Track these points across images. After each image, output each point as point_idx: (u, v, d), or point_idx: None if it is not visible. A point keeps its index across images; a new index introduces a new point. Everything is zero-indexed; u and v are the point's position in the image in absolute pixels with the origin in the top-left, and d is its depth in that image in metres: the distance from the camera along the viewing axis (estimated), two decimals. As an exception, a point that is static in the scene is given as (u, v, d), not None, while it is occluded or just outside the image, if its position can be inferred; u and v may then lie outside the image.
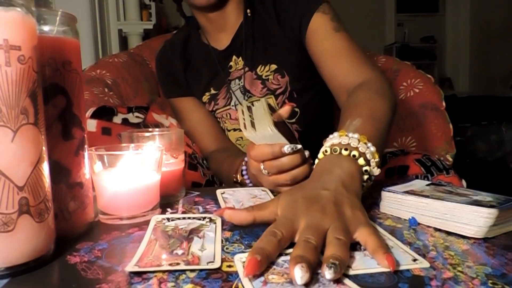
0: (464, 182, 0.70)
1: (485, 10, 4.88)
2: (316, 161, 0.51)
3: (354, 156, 0.47)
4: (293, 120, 0.90)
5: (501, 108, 3.12)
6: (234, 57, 0.92)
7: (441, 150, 1.01)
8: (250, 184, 0.67)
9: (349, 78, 0.73)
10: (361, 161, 0.47)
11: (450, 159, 0.99)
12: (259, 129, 0.53)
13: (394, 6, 5.08)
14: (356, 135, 0.49)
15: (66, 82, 0.42)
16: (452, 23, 5.18)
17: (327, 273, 0.32)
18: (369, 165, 0.48)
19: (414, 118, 1.07)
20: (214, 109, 0.95)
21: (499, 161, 2.43)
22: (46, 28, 0.41)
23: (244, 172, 0.67)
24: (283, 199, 0.44)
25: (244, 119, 0.57)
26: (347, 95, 0.70)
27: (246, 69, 0.90)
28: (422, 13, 5.25)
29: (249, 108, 0.59)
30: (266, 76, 0.88)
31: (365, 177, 0.49)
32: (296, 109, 0.89)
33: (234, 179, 0.70)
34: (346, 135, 0.49)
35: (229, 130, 0.96)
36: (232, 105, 0.93)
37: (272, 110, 0.59)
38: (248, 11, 0.89)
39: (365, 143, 0.49)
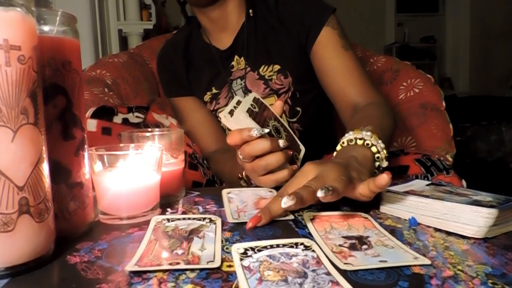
0: (464, 182, 0.70)
1: (485, 10, 4.88)
2: (335, 153, 0.58)
3: (367, 144, 0.55)
4: (295, 120, 0.90)
5: (501, 108, 3.13)
6: (236, 57, 0.92)
7: (441, 150, 1.01)
8: (254, 185, 0.67)
9: (358, 98, 0.78)
10: (373, 148, 0.55)
11: (450, 159, 0.99)
12: (235, 114, 0.57)
13: (394, 6, 5.08)
14: (369, 133, 0.56)
15: (66, 82, 0.42)
16: (452, 23, 5.18)
17: (319, 193, 0.41)
18: (380, 154, 0.55)
19: (414, 118, 1.07)
20: (215, 108, 0.95)
21: (499, 161, 2.43)
22: (46, 28, 0.41)
23: None
24: None
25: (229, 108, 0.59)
26: (353, 112, 0.76)
27: (248, 69, 0.90)
28: (422, 13, 5.25)
29: (239, 102, 0.61)
30: (269, 76, 0.88)
31: (377, 163, 0.55)
32: (298, 109, 0.89)
33: (240, 175, 0.70)
34: (360, 132, 0.57)
35: (229, 130, 0.96)
36: None
37: (261, 104, 0.61)
38: (250, 11, 0.89)
39: (376, 139, 0.56)
